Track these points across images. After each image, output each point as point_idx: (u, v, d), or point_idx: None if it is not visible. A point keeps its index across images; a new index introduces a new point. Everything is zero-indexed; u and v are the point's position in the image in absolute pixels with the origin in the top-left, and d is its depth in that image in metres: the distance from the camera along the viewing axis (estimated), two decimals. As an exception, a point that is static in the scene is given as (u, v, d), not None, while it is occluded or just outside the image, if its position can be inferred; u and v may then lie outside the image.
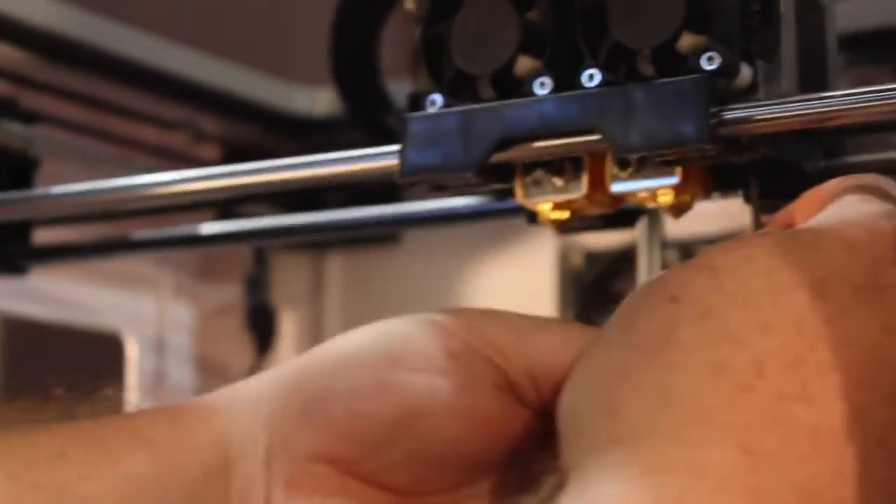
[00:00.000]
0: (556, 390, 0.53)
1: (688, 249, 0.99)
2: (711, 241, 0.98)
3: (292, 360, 0.54)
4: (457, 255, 1.07)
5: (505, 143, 0.58)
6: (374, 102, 0.81)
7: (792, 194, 0.56)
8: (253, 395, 0.52)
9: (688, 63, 0.55)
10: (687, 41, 0.55)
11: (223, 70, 0.98)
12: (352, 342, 0.53)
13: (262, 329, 1.05)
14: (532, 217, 0.64)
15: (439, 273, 1.08)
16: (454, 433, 0.51)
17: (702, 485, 0.39)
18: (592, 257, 1.02)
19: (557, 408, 0.46)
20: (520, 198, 0.60)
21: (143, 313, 1.05)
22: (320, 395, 0.50)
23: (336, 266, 1.12)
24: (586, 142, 0.57)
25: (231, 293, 1.07)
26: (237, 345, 1.06)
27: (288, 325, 1.10)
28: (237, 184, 0.66)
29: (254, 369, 1.05)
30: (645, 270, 0.87)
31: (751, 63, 0.56)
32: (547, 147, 0.57)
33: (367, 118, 0.81)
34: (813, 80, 0.60)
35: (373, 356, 0.51)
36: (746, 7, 0.56)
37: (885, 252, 0.45)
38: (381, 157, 0.62)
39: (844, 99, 0.53)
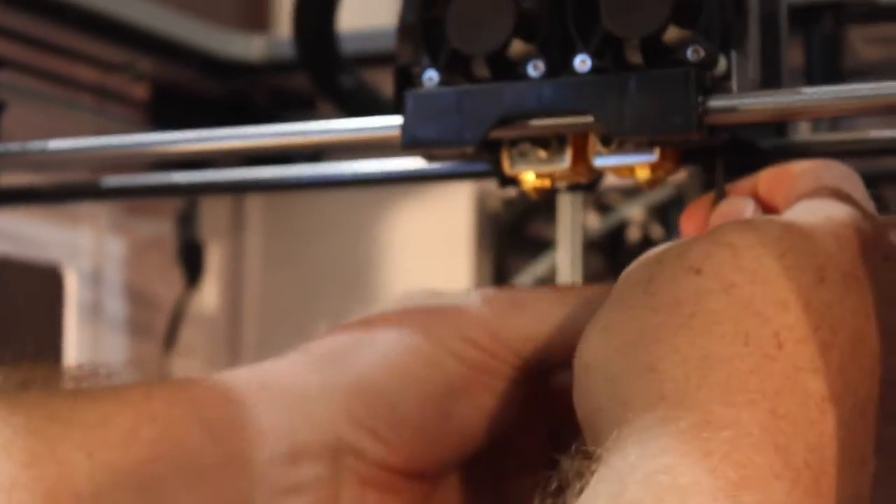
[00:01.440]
0: (539, 357, 0.59)
1: (604, 196, 1.06)
2: (624, 190, 1.05)
3: (322, 363, 0.60)
4: (375, 198, 1.11)
5: (503, 121, 0.63)
6: (329, 61, 0.85)
7: (747, 168, 0.63)
8: (305, 394, 0.59)
9: (673, 54, 0.61)
10: (673, 33, 0.61)
11: (162, 14, 1.01)
12: (401, 365, 0.59)
13: (191, 263, 1.08)
14: (507, 182, 0.69)
15: (357, 214, 1.12)
16: (491, 435, 0.60)
17: (744, 441, 0.44)
18: (509, 202, 1.07)
19: (575, 365, 0.51)
20: (506, 168, 0.65)
21: (81, 246, 1.08)
22: (391, 419, 0.58)
23: (257, 204, 1.15)
24: (579, 123, 0.62)
25: (163, 228, 1.10)
26: (168, 277, 1.10)
27: (212, 259, 1.14)
28: (236, 146, 0.70)
29: (182, 301, 1.09)
30: (567, 216, 0.92)
31: (727, 54, 0.62)
32: (543, 126, 0.63)
33: (321, 76, 0.85)
34: (769, 67, 0.66)
35: (429, 386, 0.59)
36: (723, 1, 0.62)
37: (866, 247, 0.51)
38: (380, 129, 0.66)
39: (822, 93, 0.59)
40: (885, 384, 0.49)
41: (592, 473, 0.44)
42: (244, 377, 0.59)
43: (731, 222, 0.52)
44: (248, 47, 1.06)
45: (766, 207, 0.60)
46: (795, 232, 0.51)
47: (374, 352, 0.60)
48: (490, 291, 0.62)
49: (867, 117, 0.81)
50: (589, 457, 0.45)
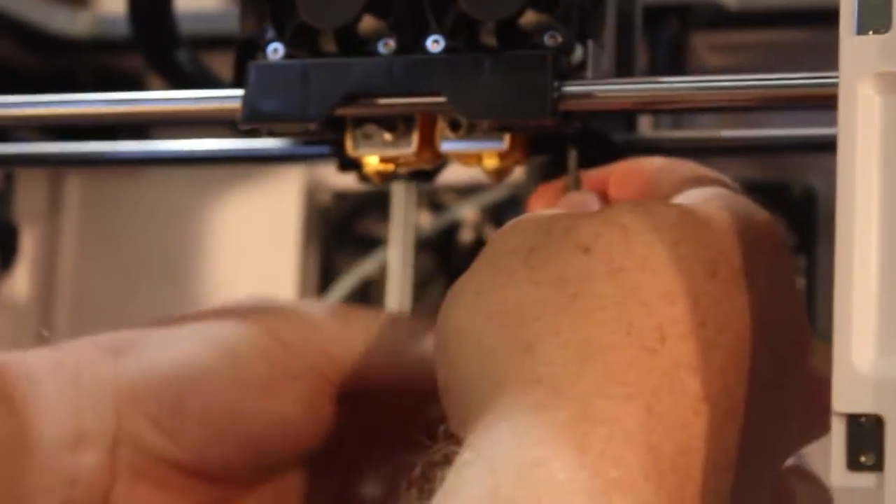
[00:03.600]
0: (355, 377, 0.57)
1: (437, 195, 1.04)
2: (459, 189, 1.03)
3: (120, 349, 0.57)
4: (201, 183, 1.08)
5: (350, 98, 0.60)
6: (163, 36, 0.81)
7: (596, 162, 0.61)
8: (95, 377, 0.56)
9: (529, 39, 0.59)
10: (530, 17, 0.59)
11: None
12: (197, 357, 0.57)
13: (4, 245, 1.04)
14: (346, 165, 0.66)
15: (180, 201, 1.09)
16: (294, 443, 0.57)
17: (618, 437, 0.43)
18: (340, 196, 1.05)
19: (441, 326, 0.49)
20: (349, 149, 0.63)
21: None
22: (175, 409, 0.56)
23: (75, 185, 1.11)
24: (430, 104, 0.60)
25: (-25, 208, 1.05)
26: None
27: (26, 241, 1.09)
28: (59, 114, 0.66)
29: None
30: (400, 213, 0.90)
31: (583, 43, 0.60)
32: (392, 105, 0.60)
33: (155, 51, 0.82)
34: (622, 63, 0.64)
35: (222, 380, 0.56)
36: (582, -12, 0.60)
37: (760, 242, 0.49)
38: (220, 100, 0.63)
39: (679, 84, 0.58)
40: (763, 386, 0.48)
41: (461, 459, 0.42)
42: (41, 357, 0.57)
43: (626, 203, 0.50)
44: (73, 22, 1.02)
45: (615, 202, 0.58)
46: (691, 220, 0.48)
47: (173, 342, 0.57)
48: (320, 303, 0.60)
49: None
50: (458, 442, 0.43)
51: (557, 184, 0.60)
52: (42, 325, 1.09)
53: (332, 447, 0.58)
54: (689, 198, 0.51)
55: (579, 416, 0.43)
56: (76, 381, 0.56)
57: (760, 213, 0.50)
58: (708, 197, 0.51)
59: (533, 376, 0.44)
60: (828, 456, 0.44)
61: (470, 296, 0.48)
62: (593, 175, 0.60)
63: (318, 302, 0.62)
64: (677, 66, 0.85)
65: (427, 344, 0.56)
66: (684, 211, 0.49)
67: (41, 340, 0.60)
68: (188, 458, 0.56)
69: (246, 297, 0.63)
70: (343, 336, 0.58)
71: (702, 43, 0.88)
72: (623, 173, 0.58)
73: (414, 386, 0.56)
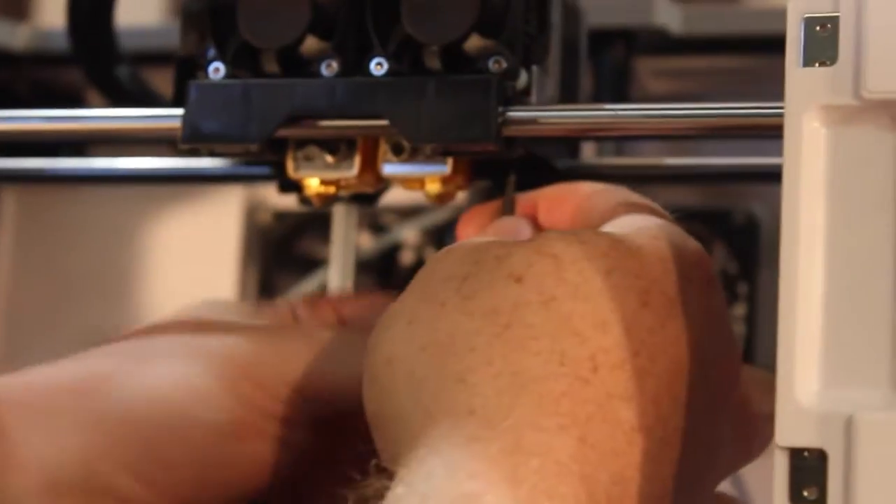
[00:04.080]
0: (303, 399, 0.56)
1: (378, 216, 1.03)
2: (400, 210, 1.02)
3: (96, 384, 0.55)
4: (139, 201, 1.07)
5: (291, 119, 0.60)
6: (104, 51, 0.80)
7: (538, 187, 0.61)
8: (66, 423, 0.54)
9: (474, 64, 0.59)
10: (475, 42, 0.59)
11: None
12: (169, 400, 0.55)
13: (-63, 262, 1.02)
14: (287, 187, 0.66)
15: (118, 219, 1.07)
16: (260, 481, 0.55)
17: (551, 468, 0.42)
18: (281, 216, 1.03)
19: (372, 356, 0.48)
20: (290, 171, 0.62)
21: None
22: (148, 455, 0.54)
23: (10, 201, 1.10)
24: (373, 126, 0.59)
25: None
26: None
27: (-41, 260, 1.07)
28: (4, 129, 0.65)
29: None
30: (341, 234, 0.89)
31: (528, 69, 0.60)
32: (334, 127, 0.60)
33: (95, 67, 0.81)
34: (567, 88, 0.64)
35: (196, 425, 0.54)
36: (528, 15, 0.60)
37: (689, 271, 0.49)
38: (159, 119, 0.62)
39: (624, 112, 0.58)
40: (696, 414, 0.47)
41: (394, 494, 0.41)
42: (8, 402, 0.54)
43: (557, 232, 0.49)
44: (11, 35, 1.00)
45: (544, 227, 0.57)
46: (622, 249, 0.48)
47: (142, 383, 0.55)
48: (272, 319, 0.59)
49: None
50: (390, 476, 0.42)
51: (488, 207, 0.60)
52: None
53: (300, 477, 0.57)
54: (621, 225, 0.51)
55: (512, 447, 0.43)
56: (41, 423, 0.54)
57: (691, 242, 0.50)
58: (640, 225, 0.50)
59: (466, 408, 0.44)
60: (768, 486, 0.44)
61: (402, 325, 0.48)
62: (523, 199, 0.59)
63: (265, 310, 0.60)
64: (621, 91, 0.84)
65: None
66: (615, 240, 0.48)
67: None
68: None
69: (198, 303, 0.61)
70: (311, 363, 0.56)
71: (646, 68, 0.88)
72: (553, 198, 0.58)
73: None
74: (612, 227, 0.51)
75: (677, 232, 0.50)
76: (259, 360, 0.56)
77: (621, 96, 0.84)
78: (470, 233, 0.58)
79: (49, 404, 0.54)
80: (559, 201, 0.57)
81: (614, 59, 0.84)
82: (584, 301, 0.46)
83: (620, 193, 0.55)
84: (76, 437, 0.54)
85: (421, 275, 0.49)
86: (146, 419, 0.54)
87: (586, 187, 0.57)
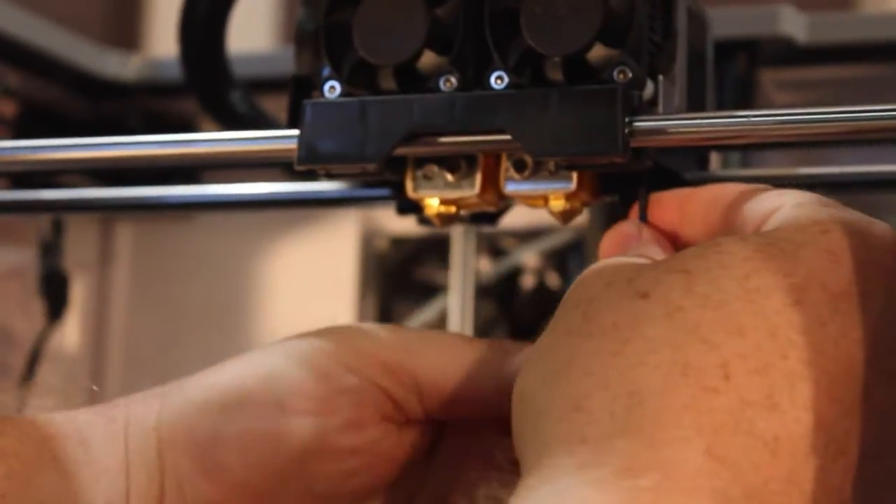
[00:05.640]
0: (443, 401, 0.54)
1: (497, 240, 1.01)
2: (520, 234, 1.00)
3: (166, 393, 0.55)
4: (253, 231, 1.06)
5: (410, 137, 0.58)
6: (217, 77, 0.79)
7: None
8: (142, 429, 0.54)
9: (598, 74, 0.56)
10: (599, 52, 0.56)
11: (33, 25, 0.95)
12: (234, 383, 0.54)
13: (54, 295, 1.01)
14: (406, 208, 0.64)
15: (233, 250, 1.07)
16: (343, 470, 0.54)
17: (672, 487, 0.40)
18: (398, 242, 1.02)
19: (513, 394, 0.46)
20: (409, 191, 0.60)
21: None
22: (212, 442, 0.53)
23: (126, 234, 1.09)
24: (495, 141, 0.57)
25: (25, 257, 1.03)
26: (28, 310, 1.03)
27: (76, 292, 1.07)
28: (118, 155, 0.64)
29: (44, 335, 1.02)
30: (460, 259, 0.88)
31: (654, 79, 0.57)
32: (454, 143, 0.58)
33: (210, 95, 0.80)
34: (694, 99, 0.61)
35: (260, 402, 0.53)
36: (652, 22, 0.58)
37: (880, 256, 0.45)
38: (274, 141, 0.61)
39: (753, 119, 0.55)
40: (880, 417, 0.43)
41: None
42: (92, 414, 0.55)
43: (696, 247, 0.46)
44: (124, 66, 1.00)
45: (683, 228, 0.54)
46: (770, 251, 0.45)
47: (213, 374, 0.55)
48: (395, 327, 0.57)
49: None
50: None
51: (626, 225, 0.57)
52: (93, 376, 1.06)
53: (417, 475, 0.56)
54: (781, 222, 0.47)
55: (622, 469, 0.40)
56: (125, 436, 0.54)
57: (877, 227, 0.46)
58: (805, 220, 0.47)
59: (579, 437, 0.42)
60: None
61: (535, 358, 0.46)
62: (667, 200, 0.56)
63: (403, 326, 0.58)
64: (745, 103, 0.82)
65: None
66: (763, 242, 0.45)
67: (91, 396, 0.58)
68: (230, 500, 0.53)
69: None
70: (424, 357, 0.55)
71: (770, 79, 0.85)
72: (710, 198, 0.54)
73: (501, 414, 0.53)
74: (773, 225, 0.48)
75: (858, 219, 0.46)
76: (402, 349, 0.54)
77: (745, 109, 0.81)
78: (612, 252, 0.55)
79: (129, 415, 0.54)
80: (712, 204, 0.53)
81: (738, 71, 0.81)
82: (715, 309, 0.43)
83: (779, 191, 0.52)
84: (150, 440, 0.54)
85: (561, 302, 0.47)
86: (208, 403, 0.54)
87: (736, 187, 0.53)
